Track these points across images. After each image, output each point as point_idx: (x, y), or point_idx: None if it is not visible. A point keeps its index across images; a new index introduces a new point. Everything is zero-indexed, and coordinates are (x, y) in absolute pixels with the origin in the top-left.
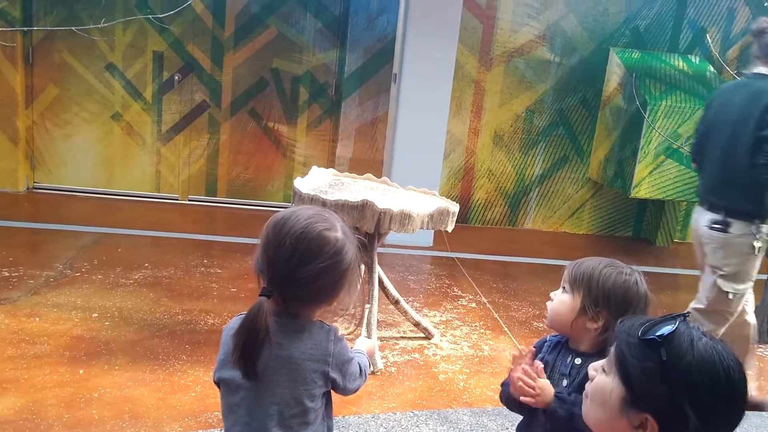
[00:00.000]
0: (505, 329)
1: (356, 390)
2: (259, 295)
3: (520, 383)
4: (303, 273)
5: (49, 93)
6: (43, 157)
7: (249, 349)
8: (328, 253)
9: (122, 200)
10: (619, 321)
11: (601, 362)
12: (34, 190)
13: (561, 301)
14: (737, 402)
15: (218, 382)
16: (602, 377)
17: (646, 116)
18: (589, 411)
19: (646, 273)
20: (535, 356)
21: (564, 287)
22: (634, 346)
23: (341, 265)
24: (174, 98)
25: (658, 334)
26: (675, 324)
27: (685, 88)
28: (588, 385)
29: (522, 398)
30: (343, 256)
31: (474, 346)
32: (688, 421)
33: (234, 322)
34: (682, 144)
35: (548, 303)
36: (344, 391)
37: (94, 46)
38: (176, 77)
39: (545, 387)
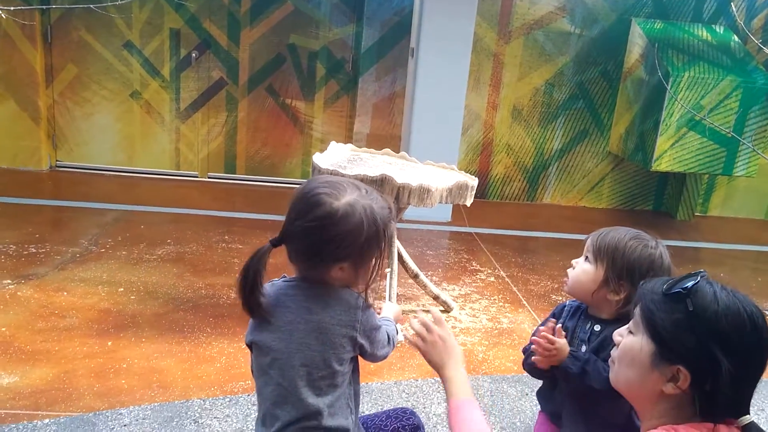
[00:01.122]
0: (524, 302)
1: (384, 357)
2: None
3: (538, 347)
4: (293, 227)
5: (68, 72)
6: (64, 135)
7: (244, 284)
8: (315, 215)
9: (143, 178)
10: (640, 284)
11: (626, 326)
12: (56, 169)
13: (583, 270)
14: (764, 346)
15: (250, 345)
16: (629, 338)
17: (669, 88)
18: (618, 374)
19: (667, 247)
20: (555, 316)
21: (587, 257)
22: (660, 302)
23: (330, 231)
24: (191, 75)
25: (683, 287)
26: (697, 278)
27: (708, 59)
28: (614, 351)
29: (537, 359)
30: (334, 223)
31: (493, 318)
32: (719, 368)
33: (265, 287)
34: (704, 116)
35: (569, 270)
36: (372, 358)
37: (112, 24)
38: (193, 54)
39: (562, 346)
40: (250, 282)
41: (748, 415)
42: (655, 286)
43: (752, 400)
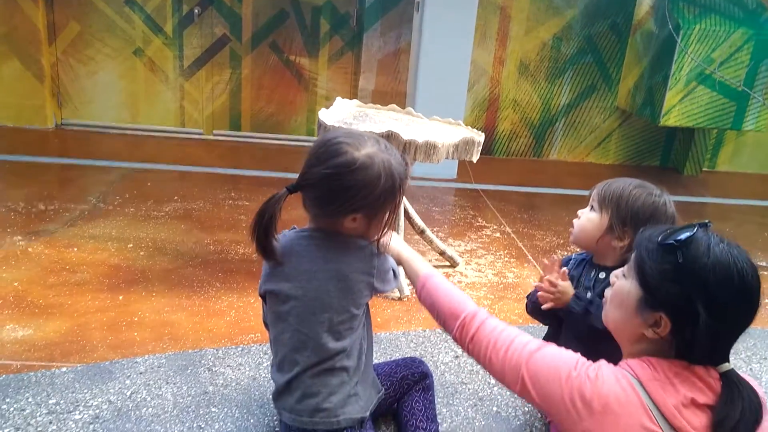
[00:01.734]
0: (529, 257)
1: (392, 290)
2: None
3: (543, 291)
4: (312, 174)
5: (71, 29)
6: (69, 94)
7: (257, 227)
8: (335, 163)
9: (148, 136)
10: (640, 230)
11: (622, 269)
12: (62, 127)
13: (588, 218)
14: (749, 301)
15: (264, 295)
16: (622, 281)
17: (679, 41)
18: (608, 313)
19: (675, 202)
20: (561, 266)
21: (592, 206)
22: (653, 251)
23: (348, 179)
24: (194, 32)
25: (676, 238)
26: (693, 230)
27: (720, 11)
28: (608, 291)
29: (542, 300)
30: (352, 172)
31: (498, 273)
32: (698, 318)
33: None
34: (715, 69)
35: (575, 221)
36: (382, 292)
37: None
38: (196, 11)
39: (566, 289)
40: (264, 224)
41: (726, 363)
42: (652, 235)
43: (755, 348)
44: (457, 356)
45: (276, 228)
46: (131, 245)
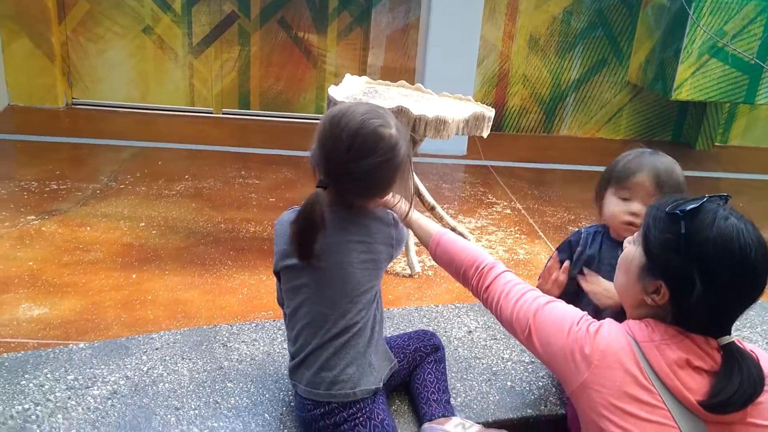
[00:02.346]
0: (540, 234)
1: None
2: (316, 187)
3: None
4: (358, 168)
5: (80, 7)
6: (79, 73)
7: (306, 235)
8: (382, 149)
9: (158, 114)
10: (654, 199)
11: (634, 235)
12: (73, 106)
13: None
14: (750, 277)
15: (279, 272)
16: (630, 247)
17: (691, 13)
18: (617, 277)
19: (686, 177)
20: (562, 262)
21: (625, 198)
22: (659, 219)
23: (395, 160)
24: (203, 9)
25: (681, 208)
26: (700, 201)
27: None
28: (621, 255)
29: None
30: (397, 152)
31: (509, 250)
32: (694, 290)
33: (287, 215)
34: (727, 42)
35: (629, 219)
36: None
37: None
38: None
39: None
40: (311, 231)
41: (726, 336)
42: (663, 204)
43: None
44: (470, 331)
45: (321, 232)
46: (143, 224)
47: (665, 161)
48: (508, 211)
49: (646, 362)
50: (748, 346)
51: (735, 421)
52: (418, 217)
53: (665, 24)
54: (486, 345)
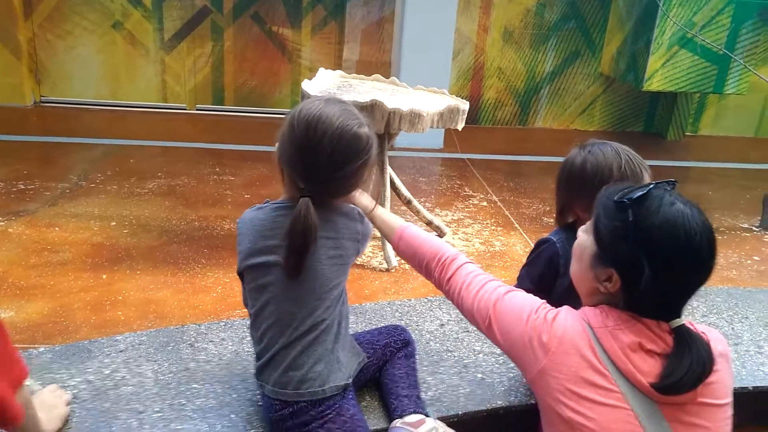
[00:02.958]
0: (516, 225)
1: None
2: (301, 197)
3: None
4: (342, 172)
5: (47, 3)
6: (47, 70)
7: (303, 249)
8: (363, 151)
9: (130, 111)
10: (604, 187)
11: (587, 224)
12: (41, 104)
13: None
14: (696, 260)
15: (243, 271)
16: (583, 236)
17: (661, 5)
18: (572, 266)
19: (657, 167)
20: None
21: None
22: (608, 208)
23: (372, 158)
24: (174, 4)
25: (628, 196)
26: (647, 189)
27: None
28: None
29: None
30: (373, 150)
31: (485, 242)
32: (643, 275)
33: (250, 213)
34: (696, 33)
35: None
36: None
37: None
38: None
39: None
40: (307, 242)
41: (677, 319)
42: (611, 192)
43: (737, 308)
44: (442, 324)
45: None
46: (114, 223)
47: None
48: (485, 203)
49: (601, 347)
50: (699, 328)
51: (686, 402)
52: (381, 211)
53: (636, 16)
54: (458, 338)
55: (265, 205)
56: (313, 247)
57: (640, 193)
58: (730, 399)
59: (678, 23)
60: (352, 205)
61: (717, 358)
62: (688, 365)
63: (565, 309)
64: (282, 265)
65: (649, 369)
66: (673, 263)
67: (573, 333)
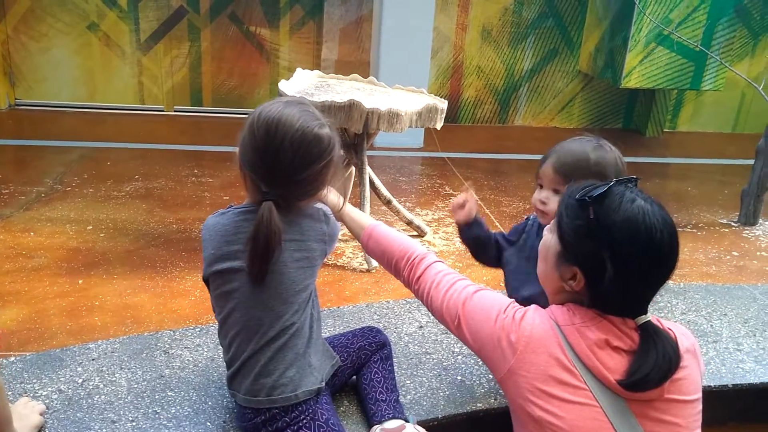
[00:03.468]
0: (497, 224)
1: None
2: (264, 200)
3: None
4: (305, 174)
5: (21, 5)
6: (22, 72)
7: (266, 254)
8: (326, 152)
9: (107, 113)
10: (567, 186)
11: (551, 223)
12: (16, 107)
13: (545, 197)
14: (657, 256)
15: (208, 278)
16: (548, 235)
17: (637, 2)
18: (538, 265)
19: (637, 163)
20: (518, 230)
21: (556, 189)
22: (570, 207)
23: (334, 158)
24: (150, 5)
25: (589, 194)
26: (607, 186)
27: None
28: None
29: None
30: (335, 150)
31: None
32: (606, 273)
33: (213, 219)
34: (673, 30)
35: (546, 209)
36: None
37: None
38: None
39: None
40: (270, 248)
41: (643, 316)
42: (573, 191)
43: (716, 305)
44: (421, 326)
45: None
46: (90, 227)
47: (576, 148)
48: None
49: (568, 345)
50: (666, 324)
51: (655, 398)
52: (350, 209)
53: (613, 13)
54: (437, 340)
55: (228, 210)
56: (277, 252)
57: (601, 190)
58: (699, 395)
59: (654, 20)
60: (318, 206)
61: (684, 354)
62: (653, 361)
63: (533, 308)
64: (246, 271)
65: (615, 366)
66: (635, 259)
67: (541, 331)
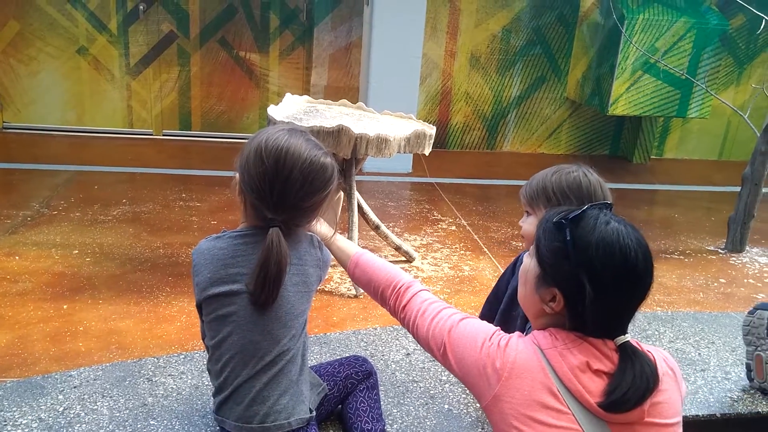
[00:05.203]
0: (485, 250)
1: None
2: (271, 227)
3: None
4: (310, 201)
5: (10, 28)
6: (10, 96)
7: (277, 279)
8: (330, 180)
9: (95, 137)
10: (546, 210)
11: (530, 248)
12: (4, 131)
13: (530, 223)
14: (632, 276)
15: (202, 302)
16: (527, 260)
17: (624, 31)
18: (519, 290)
19: (624, 190)
20: (515, 264)
21: (527, 211)
22: (548, 230)
23: (334, 186)
24: (140, 29)
25: (565, 217)
26: (582, 209)
27: (663, 1)
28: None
29: None
30: (335, 179)
31: (454, 267)
32: (585, 294)
33: (206, 244)
34: (659, 58)
35: (522, 232)
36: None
37: None
38: (141, 7)
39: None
40: (279, 274)
41: (622, 336)
42: (551, 215)
43: (704, 333)
44: (408, 354)
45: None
46: (76, 251)
47: (539, 174)
48: (454, 227)
49: (551, 368)
50: (646, 347)
51: (635, 421)
52: (337, 238)
53: (600, 41)
54: (424, 367)
55: (223, 234)
56: (284, 276)
57: (576, 213)
58: (679, 418)
59: (641, 49)
60: (311, 233)
61: (662, 377)
62: (630, 380)
63: (516, 334)
64: (249, 293)
65: (596, 389)
66: (611, 280)
67: (525, 357)
